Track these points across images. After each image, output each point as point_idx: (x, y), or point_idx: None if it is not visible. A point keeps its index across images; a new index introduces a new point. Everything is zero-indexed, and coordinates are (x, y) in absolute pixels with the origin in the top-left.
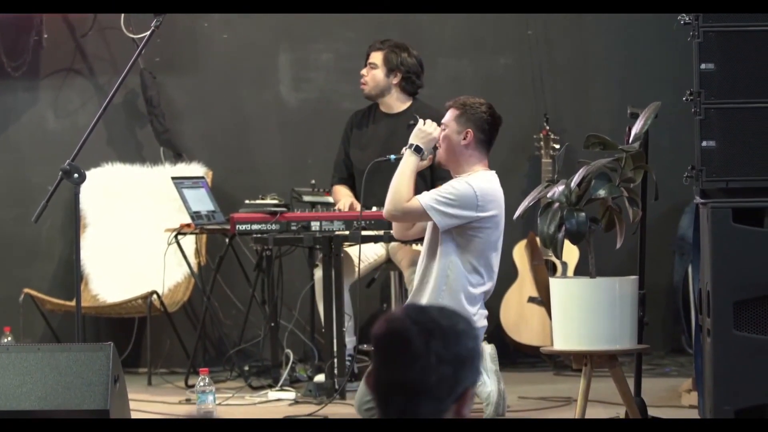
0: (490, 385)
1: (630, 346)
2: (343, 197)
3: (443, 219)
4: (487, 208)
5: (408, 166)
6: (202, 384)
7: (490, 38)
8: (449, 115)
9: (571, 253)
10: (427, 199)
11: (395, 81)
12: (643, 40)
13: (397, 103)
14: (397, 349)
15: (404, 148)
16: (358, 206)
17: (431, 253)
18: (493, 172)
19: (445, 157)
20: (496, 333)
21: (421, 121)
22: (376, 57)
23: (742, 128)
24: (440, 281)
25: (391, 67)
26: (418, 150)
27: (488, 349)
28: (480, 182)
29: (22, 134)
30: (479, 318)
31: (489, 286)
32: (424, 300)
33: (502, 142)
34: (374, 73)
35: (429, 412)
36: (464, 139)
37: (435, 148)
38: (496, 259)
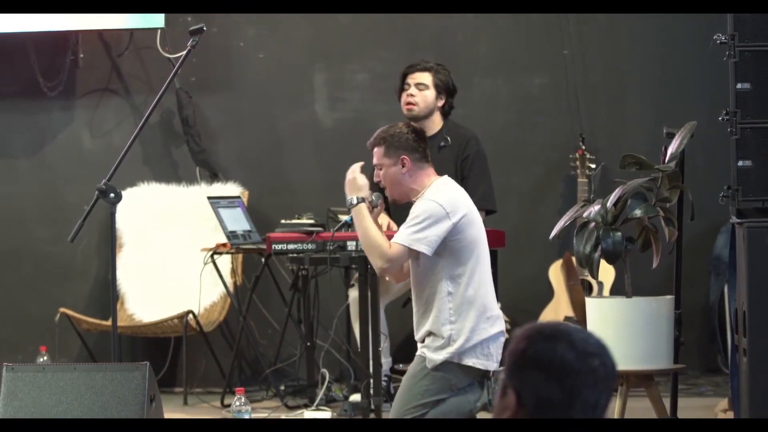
0: None
1: (666, 365)
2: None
3: (428, 245)
4: (457, 211)
5: (364, 218)
6: (238, 404)
7: (525, 58)
8: (377, 155)
9: (607, 272)
10: (404, 237)
11: (441, 103)
12: (677, 59)
13: (433, 124)
14: (586, 385)
15: (349, 203)
16: (394, 226)
17: (422, 280)
18: (445, 176)
19: (396, 193)
20: None
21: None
22: (425, 77)
23: None
24: (443, 301)
25: (440, 89)
26: (360, 200)
27: None
28: (437, 193)
29: (58, 154)
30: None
31: (478, 290)
32: (430, 323)
33: (538, 162)
34: (425, 94)
35: None
36: (403, 167)
37: (382, 191)
38: (480, 260)
